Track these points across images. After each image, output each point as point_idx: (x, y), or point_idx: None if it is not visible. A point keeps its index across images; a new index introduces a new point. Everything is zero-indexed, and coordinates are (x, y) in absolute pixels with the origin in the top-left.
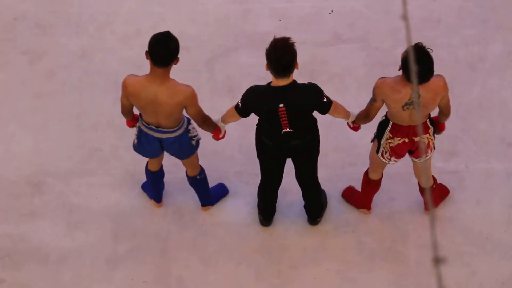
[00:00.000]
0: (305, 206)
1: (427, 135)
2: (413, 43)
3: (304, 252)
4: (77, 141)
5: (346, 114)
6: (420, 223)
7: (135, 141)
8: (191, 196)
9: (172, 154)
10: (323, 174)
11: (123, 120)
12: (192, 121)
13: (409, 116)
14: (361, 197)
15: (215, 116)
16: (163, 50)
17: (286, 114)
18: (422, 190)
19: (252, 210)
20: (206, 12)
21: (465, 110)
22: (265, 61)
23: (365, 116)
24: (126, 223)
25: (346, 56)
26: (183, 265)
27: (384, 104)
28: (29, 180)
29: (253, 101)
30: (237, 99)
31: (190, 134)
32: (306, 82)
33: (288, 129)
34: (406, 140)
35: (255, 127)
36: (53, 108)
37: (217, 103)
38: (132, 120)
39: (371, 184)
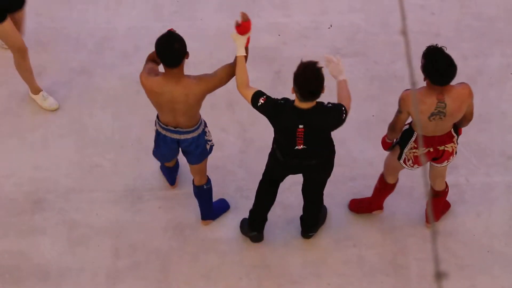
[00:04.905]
0: (301, 218)
1: (452, 144)
2: (412, 57)
3: (305, 266)
4: (77, 157)
5: (350, 97)
6: (421, 236)
7: (154, 147)
8: (192, 212)
9: (187, 156)
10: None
11: (122, 135)
12: (208, 125)
13: (435, 127)
14: (373, 200)
15: (215, 132)
16: (169, 52)
17: (303, 135)
18: (435, 193)
19: None
20: (205, 27)
21: None
22: (265, 75)
23: (392, 128)
24: (126, 239)
25: (345, 70)
26: (184, 281)
27: (410, 115)
28: (29, 197)
29: (273, 113)
30: (238, 113)
31: (206, 137)
32: (331, 103)
33: (301, 147)
34: (431, 149)
35: (258, 142)
36: (53, 124)
37: (217, 117)
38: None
39: (387, 187)
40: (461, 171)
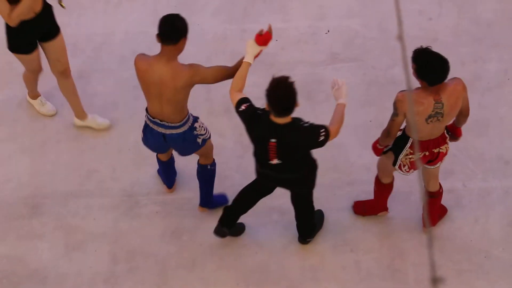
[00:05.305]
0: (297, 225)
1: (446, 145)
2: (409, 62)
3: (302, 271)
4: (74, 162)
5: (341, 122)
6: (418, 241)
7: (142, 135)
8: (190, 216)
9: (175, 150)
10: (320, 194)
11: (120, 140)
12: (200, 120)
13: (431, 130)
14: (376, 202)
15: (213, 138)
16: (168, 26)
17: (275, 149)
18: (430, 194)
19: (249, 230)
20: (203, 33)
21: (462, 128)
22: (262, 81)
23: (387, 134)
24: (124, 244)
25: (343, 75)
26: (182, 285)
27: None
28: (27, 202)
29: (249, 120)
30: (235, 118)
31: (196, 132)
32: (309, 123)
33: (275, 161)
34: (427, 153)
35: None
36: (51, 130)
37: (214, 122)
38: None
39: (385, 188)
40: (458, 176)
